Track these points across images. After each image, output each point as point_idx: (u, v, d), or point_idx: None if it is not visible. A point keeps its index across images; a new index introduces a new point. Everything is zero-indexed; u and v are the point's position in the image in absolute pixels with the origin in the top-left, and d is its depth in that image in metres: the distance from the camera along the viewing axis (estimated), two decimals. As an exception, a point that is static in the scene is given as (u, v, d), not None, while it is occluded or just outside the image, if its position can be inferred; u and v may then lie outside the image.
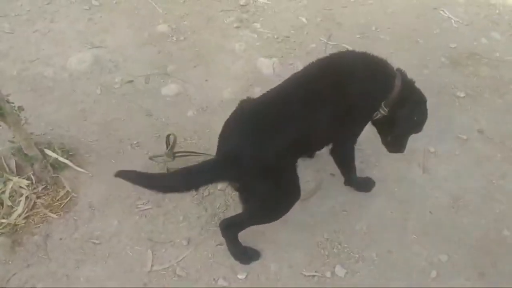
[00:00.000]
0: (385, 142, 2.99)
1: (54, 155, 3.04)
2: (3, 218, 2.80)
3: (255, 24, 4.53)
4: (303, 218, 3.00)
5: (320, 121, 2.56)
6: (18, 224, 2.81)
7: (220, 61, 4.11)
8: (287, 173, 2.55)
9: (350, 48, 4.32)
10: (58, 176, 3.05)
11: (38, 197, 2.92)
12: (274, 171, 2.45)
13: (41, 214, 2.88)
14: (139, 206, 2.99)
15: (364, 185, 3.21)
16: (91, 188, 3.06)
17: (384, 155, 3.29)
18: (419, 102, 2.83)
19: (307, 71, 2.73)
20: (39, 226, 2.86)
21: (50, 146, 3.15)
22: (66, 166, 3.08)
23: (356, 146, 3.01)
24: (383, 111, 2.76)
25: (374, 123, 2.91)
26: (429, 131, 3.54)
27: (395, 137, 2.91)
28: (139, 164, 3.18)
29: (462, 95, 3.96)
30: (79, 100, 3.63)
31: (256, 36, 4.41)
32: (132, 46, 4.12)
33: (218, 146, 2.53)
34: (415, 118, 2.82)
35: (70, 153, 3.17)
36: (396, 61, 4.17)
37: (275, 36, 4.43)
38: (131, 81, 3.82)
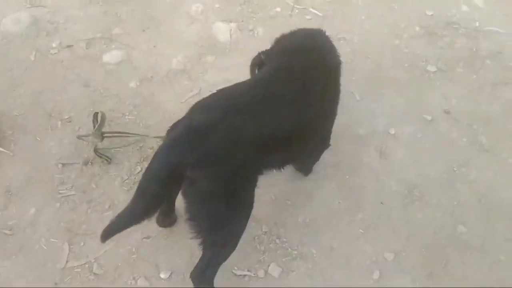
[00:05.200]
0: None
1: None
2: None
3: (216, -18, 4.13)
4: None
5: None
6: None
7: (173, 24, 3.75)
8: (244, 191, 2.20)
9: (318, 13, 3.97)
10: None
11: None
12: (228, 187, 2.10)
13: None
14: (61, 191, 2.73)
15: None
16: (11, 170, 2.80)
17: (340, 136, 3.04)
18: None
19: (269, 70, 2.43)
20: None
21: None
22: (-19, 144, 2.81)
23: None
24: None
25: None
26: (391, 110, 3.29)
27: None
28: (68, 143, 2.91)
29: (433, 69, 3.63)
30: (9, 67, 3.30)
31: (217, -4, 4.03)
32: (75, 6, 3.73)
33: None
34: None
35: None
36: (364, 30, 3.92)
37: (237, -3, 4.05)
38: (70, 46, 3.49)
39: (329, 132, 2.69)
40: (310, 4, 4.05)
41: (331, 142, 2.81)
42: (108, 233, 2.10)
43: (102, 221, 2.63)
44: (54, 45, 3.47)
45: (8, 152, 2.85)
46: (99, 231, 2.52)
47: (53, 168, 2.80)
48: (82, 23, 3.64)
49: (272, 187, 2.87)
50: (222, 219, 2.13)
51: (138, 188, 2.06)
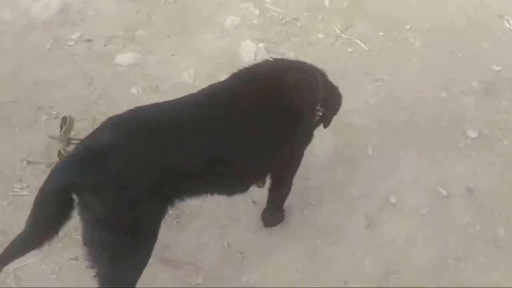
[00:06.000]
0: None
1: None
2: None
3: (266, -4, 3.87)
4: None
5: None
6: None
7: (201, 35, 3.56)
8: (146, 222, 1.94)
9: (364, 47, 3.57)
10: None
11: None
12: (125, 216, 1.87)
13: None
14: (15, 189, 2.66)
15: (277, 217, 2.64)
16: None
17: (328, 190, 2.70)
18: (333, 88, 2.44)
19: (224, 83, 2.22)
20: None
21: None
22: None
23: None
24: (320, 113, 2.33)
25: None
26: (403, 173, 2.84)
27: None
28: (42, 140, 2.84)
29: (473, 135, 3.10)
30: (22, 53, 3.30)
31: (258, 12, 3.77)
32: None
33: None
34: (337, 104, 2.49)
35: (-29, 112, 2.91)
36: (410, 74, 3.43)
37: (281, 17, 3.76)
38: (89, 40, 3.43)
39: (283, 177, 2.42)
40: (360, 36, 3.66)
41: (315, 199, 2.59)
42: (1, 261, 1.93)
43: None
44: (73, 36, 3.43)
45: (-20, 138, 2.85)
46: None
47: (18, 164, 2.74)
48: (110, 19, 3.57)
49: (229, 234, 2.59)
50: (115, 250, 1.90)
51: (31, 210, 1.89)
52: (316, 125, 2.42)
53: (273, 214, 2.58)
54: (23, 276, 2.39)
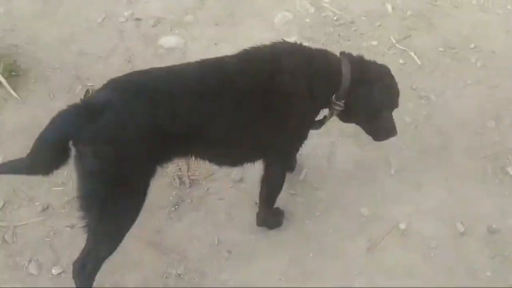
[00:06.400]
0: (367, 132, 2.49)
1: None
2: None
3: (326, -5, 3.75)
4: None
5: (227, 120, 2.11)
6: None
7: (249, 27, 3.53)
8: (134, 179, 2.03)
9: (417, 61, 3.37)
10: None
11: None
12: (114, 170, 1.96)
13: None
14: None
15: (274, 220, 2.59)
16: (15, 114, 2.95)
17: (338, 204, 2.59)
18: (374, 81, 2.31)
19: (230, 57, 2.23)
20: None
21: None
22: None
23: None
24: (337, 106, 2.30)
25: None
26: (421, 201, 2.68)
27: (368, 124, 2.45)
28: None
29: (512, 172, 2.83)
30: (75, 23, 3.46)
31: (313, 10, 3.68)
32: (171, -19, 3.73)
33: None
34: (377, 99, 2.32)
35: (15, 73, 3.07)
36: (460, 96, 3.17)
37: (336, 18, 3.64)
38: (139, 20, 3.52)
39: (272, 167, 2.39)
40: (415, 48, 3.47)
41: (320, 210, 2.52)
42: None
43: (50, 194, 2.65)
44: (125, 14, 3.53)
45: (19, 98, 3.01)
46: (40, 202, 2.59)
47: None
48: (164, 1, 3.64)
49: (222, 230, 2.56)
50: (104, 202, 1.99)
51: (31, 149, 1.98)
52: (322, 119, 2.40)
53: (265, 212, 2.51)
54: (21, 234, 2.51)
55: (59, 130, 1.93)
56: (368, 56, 2.41)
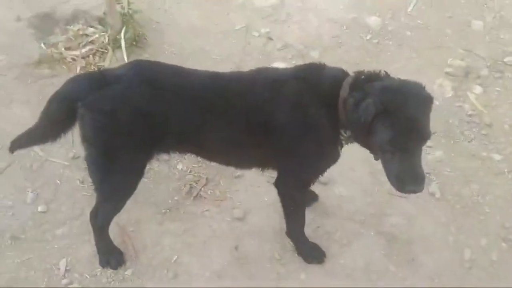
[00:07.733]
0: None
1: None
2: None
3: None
4: None
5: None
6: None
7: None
8: (127, 155, 2.15)
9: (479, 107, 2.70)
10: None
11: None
12: (108, 141, 2.11)
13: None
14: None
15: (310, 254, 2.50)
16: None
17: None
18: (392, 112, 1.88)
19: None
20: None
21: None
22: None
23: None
24: (341, 136, 2.13)
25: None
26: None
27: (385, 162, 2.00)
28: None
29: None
30: (219, 23, 3.70)
31: None
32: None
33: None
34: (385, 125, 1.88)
35: (135, 43, 3.43)
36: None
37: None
38: (270, 39, 3.63)
39: (290, 181, 2.30)
40: (477, 97, 3.12)
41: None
42: (14, 146, 2.33)
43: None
44: (262, 30, 3.66)
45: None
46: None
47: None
48: (307, 32, 3.64)
49: (185, 255, 2.48)
50: (99, 170, 2.17)
51: (43, 109, 2.20)
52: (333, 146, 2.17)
53: (294, 241, 2.50)
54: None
55: (70, 90, 2.11)
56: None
